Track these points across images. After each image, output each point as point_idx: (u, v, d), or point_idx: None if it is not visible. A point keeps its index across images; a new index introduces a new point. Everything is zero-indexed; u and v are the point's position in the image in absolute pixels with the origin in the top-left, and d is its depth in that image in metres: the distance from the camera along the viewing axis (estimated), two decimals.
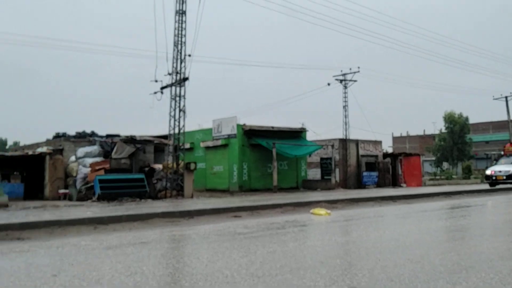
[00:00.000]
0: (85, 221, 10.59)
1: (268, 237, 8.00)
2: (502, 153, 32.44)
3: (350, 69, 34.20)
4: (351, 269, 5.20)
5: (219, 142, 27.09)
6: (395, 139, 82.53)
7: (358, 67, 33.88)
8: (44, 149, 21.38)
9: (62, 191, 20.33)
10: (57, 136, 22.75)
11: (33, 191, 21.49)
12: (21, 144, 32.66)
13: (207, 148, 28.40)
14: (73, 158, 20.95)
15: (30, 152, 21.76)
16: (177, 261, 6.02)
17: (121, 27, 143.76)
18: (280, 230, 8.91)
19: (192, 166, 20.49)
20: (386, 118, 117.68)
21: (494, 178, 25.62)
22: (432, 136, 72.37)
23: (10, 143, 70.21)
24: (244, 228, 9.42)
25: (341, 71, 34.54)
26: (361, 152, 34.63)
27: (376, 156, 35.83)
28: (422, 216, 11.88)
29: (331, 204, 15.79)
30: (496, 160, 32.07)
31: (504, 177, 25.15)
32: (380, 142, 37.41)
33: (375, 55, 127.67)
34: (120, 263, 5.71)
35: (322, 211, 12.60)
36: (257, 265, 5.43)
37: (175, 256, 6.55)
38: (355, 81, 34.51)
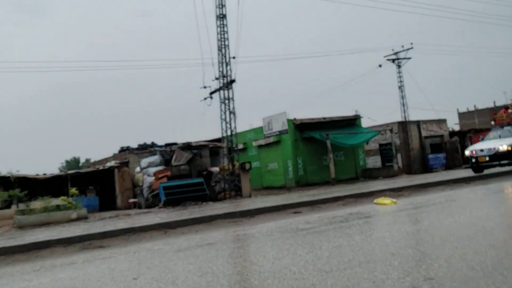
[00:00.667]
0: (155, 226, 11.14)
1: (332, 231, 7.98)
2: (493, 123, 26.59)
3: (402, 46, 32.42)
4: (426, 259, 5.04)
5: (271, 140, 27.17)
6: (462, 115, 77.57)
7: (411, 43, 32.28)
8: (112, 163, 22.67)
9: (131, 200, 21.45)
10: (122, 150, 24.07)
11: (107, 202, 22.80)
12: (92, 160, 34.50)
13: (260, 146, 28.59)
14: (138, 169, 22.06)
15: (100, 167, 23.11)
16: (244, 260, 6.21)
17: (166, 40, 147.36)
18: (344, 224, 8.85)
19: (247, 166, 20.78)
20: (449, 93, 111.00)
21: (474, 160, 19.20)
22: (505, 107, 67.99)
23: (82, 160, 74.28)
24: (306, 223, 9.46)
25: (392, 50, 32.87)
26: (423, 133, 32.98)
27: (442, 136, 33.95)
28: (502, 197, 11.16)
29: (396, 192, 15.30)
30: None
31: (487, 158, 18.76)
32: (444, 121, 35.28)
33: (427, 28, 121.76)
34: (191, 264, 5.99)
35: (386, 200, 12.26)
36: (323, 260, 5.46)
37: (242, 255, 6.75)
38: (409, 58, 32.75)
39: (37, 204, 16.34)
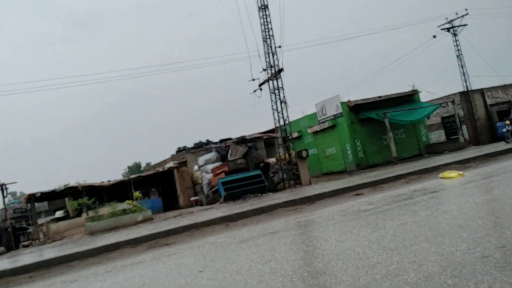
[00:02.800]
0: (216, 221, 11.31)
1: (395, 209, 7.73)
2: None
3: (457, 14, 30.96)
4: (497, 229, 4.80)
5: (326, 125, 26.71)
6: None
7: (465, 9, 30.70)
8: (171, 164, 23.37)
9: (193, 198, 21.99)
10: (179, 150, 24.75)
11: (170, 202, 23.55)
12: (152, 163, 35.79)
13: (315, 133, 28.21)
14: (196, 167, 22.56)
15: (160, 169, 23.87)
16: (306, 245, 6.13)
17: (213, 38, 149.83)
18: (408, 201, 8.55)
19: (304, 153, 20.59)
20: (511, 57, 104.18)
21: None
22: None
23: (143, 164, 77.23)
24: (368, 204, 9.23)
25: (446, 18, 31.43)
26: (489, 101, 31.10)
27: (509, 102, 31.88)
28: None
29: (463, 164, 14.64)
30: None
31: None
32: (510, 86, 32.98)
33: None
34: (254, 254, 5.99)
35: (453, 173, 11.79)
36: (388, 239, 5.30)
37: (304, 240, 6.67)
38: (464, 25, 31.18)
39: (104, 210, 17.12)
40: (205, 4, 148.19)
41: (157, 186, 25.01)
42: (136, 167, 79.27)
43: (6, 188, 19.72)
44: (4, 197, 19.69)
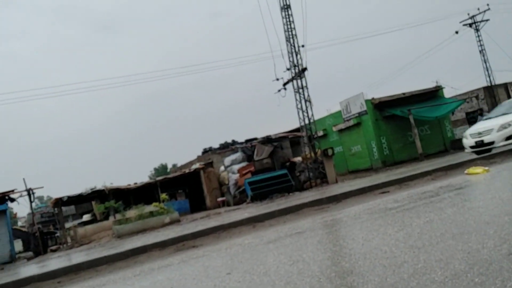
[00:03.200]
0: (243, 221, 11.43)
1: (422, 207, 7.71)
2: None
3: (478, 9, 30.88)
4: None
5: (351, 122, 26.63)
6: None
7: (487, 5, 30.39)
8: (197, 165, 23.66)
9: (220, 199, 22.23)
10: (205, 151, 25.01)
11: (197, 204, 23.81)
12: (179, 165, 36.21)
13: (340, 131, 28.13)
14: (222, 168, 22.80)
15: (187, 171, 24.18)
16: (333, 245, 6.19)
17: (237, 39, 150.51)
18: (434, 198, 8.51)
19: (330, 151, 20.55)
20: None
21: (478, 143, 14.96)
22: None
23: (169, 166, 78.09)
24: (394, 202, 9.21)
25: (468, 14, 31.38)
26: None
27: None
28: None
29: (488, 160, 14.42)
30: None
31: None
32: None
33: None
34: (282, 255, 6.09)
35: (478, 169, 11.66)
36: (415, 237, 5.32)
37: (331, 240, 6.73)
38: (487, 20, 30.99)
39: (131, 213, 17.38)
40: (229, 5, 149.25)
41: (184, 188, 25.31)
42: (162, 169, 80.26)
43: (33, 193, 20.28)
44: (31, 201, 20.24)
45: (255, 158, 22.04)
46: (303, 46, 21.25)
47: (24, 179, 19.98)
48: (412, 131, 24.26)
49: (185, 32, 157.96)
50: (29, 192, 20.18)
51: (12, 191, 19.43)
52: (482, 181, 9.72)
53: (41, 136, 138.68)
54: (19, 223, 43.14)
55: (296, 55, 21.07)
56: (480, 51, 31.27)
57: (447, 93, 29.36)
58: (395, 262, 4.39)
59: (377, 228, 6.54)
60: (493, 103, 29.90)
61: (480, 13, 30.79)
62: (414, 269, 4.00)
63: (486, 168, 11.70)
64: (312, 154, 20.78)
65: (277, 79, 22.26)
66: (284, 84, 22.17)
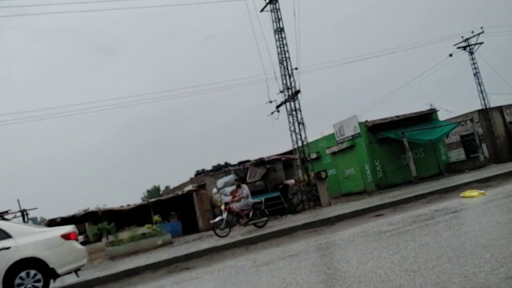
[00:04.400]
0: (236, 244, 11.29)
1: (417, 230, 7.65)
2: None
3: (472, 32, 31.17)
4: None
5: (345, 145, 26.65)
6: None
7: (481, 28, 30.85)
8: (190, 187, 23.42)
9: (212, 221, 21.91)
10: (198, 173, 24.81)
11: (189, 226, 23.53)
12: (171, 187, 35.96)
13: (334, 153, 28.13)
14: (214, 190, 22.61)
15: (179, 193, 23.95)
16: (327, 268, 6.08)
17: (231, 61, 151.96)
18: (429, 221, 8.46)
19: (323, 174, 20.50)
20: None
21: None
22: None
23: (162, 188, 77.60)
24: (389, 225, 9.14)
25: (462, 37, 31.64)
26: (508, 119, 30.68)
27: None
28: None
29: (484, 183, 14.47)
30: None
31: None
32: None
33: (495, 9, 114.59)
34: (275, 277, 5.97)
35: (474, 192, 11.65)
36: (410, 260, 5.25)
37: (325, 263, 6.62)
38: (481, 43, 31.32)
39: (124, 234, 17.16)
40: (223, 28, 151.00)
41: (177, 210, 25.06)
42: (155, 191, 79.69)
43: (27, 214, 19.95)
44: (25, 222, 19.93)
45: (248, 180, 21.90)
46: (296, 68, 21.41)
47: (18, 200, 19.76)
48: (406, 154, 24.28)
49: (180, 54, 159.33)
50: (23, 213, 19.91)
51: (6, 212, 19.13)
52: (478, 204, 9.69)
53: (36, 158, 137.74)
54: None
55: (289, 78, 21.22)
56: (474, 74, 31.51)
57: (441, 116, 29.55)
58: (390, 286, 4.30)
59: (372, 251, 6.45)
60: (488, 126, 30.08)
61: (474, 36, 31.11)
62: None
63: (482, 191, 11.70)
64: (305, 177, 20.71)
65: (270, 102, 22.33)
66: (277, 107, 22.24)
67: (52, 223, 21.44)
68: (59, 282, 11.28)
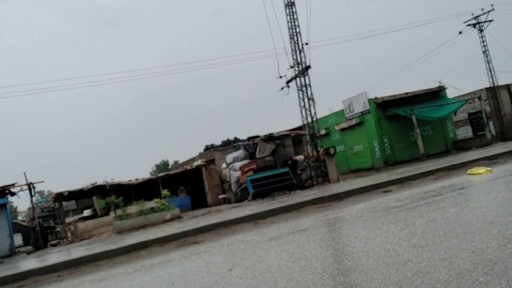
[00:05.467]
0: (245, 218, 11.44)
1: (424, 206, 7.70)
2: None
3: (482, 9, 30.74)
4: None
5: (354, 122, 26.57)
6: None
7: (491, 5, 30.28)
8: (199, 162, 23.57)
9: (221, 196, 22.18)
10: (207, 148, 24.95)
11: (198, 200, 23.78)
12: (180, 161, 36.12)
13: (343, 130, 28.08)
14: (224, 165, 22.75)
15: (188, 167, 24.11)
16: (336, 243, 6.17)
17: (242, 36, 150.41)
18: (437, 197, 8.50)
19: (332, 150, 20.52)
20: None
21: None
22: None
23: (171, 162, 77.99)
24: (397, 201, 9.20)
25: (472, 14, 31.25)
26: None
27: None
28: None
29: (491, 160, 14.46)
30: None
31: None
32: None
33: None
34: (284, 252, 6.08)
35: (481, 169, 11.67)
36: (418, 236, 5.31)
37: (333, 238, 6.71)
38: (490, 21, 30.88)
39: (132, 208, 17.30)
40: (234, 2, 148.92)
41: (185, 184, 25.28)
42: (164, 166, 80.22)
43: (34, 187, 20.10)
44: (32, 196, 20.12)
45: (257, 155, 22.01)
46: (307, 44, 21.19)
47: (25, 173, 19.90)
48: (414, 131, 24.18)
49: (190, 28, 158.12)
50: (30, 186, 20.09)
51: (13, 185, 19.39)
52: (485, 181, 9.70)
53: (42, 130, 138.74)
54: (19, 217, 43.13)
55: (300, 53, 21.02)
56: (483, 52, 31.19)
57: (450, 93, 29.34)
58: (398, 260, 4.37)
59: (380, 227, 6.53)
60: (495, 104, 29.85)
61: (484, 13, 30.76)
62: (418, 268, 3.99)
63: (489, 168, 11.69)
64: (314, 153, 20.73)
65: (280, 77, 22.19)
66: (287, 82, 22.10)
67: (59, 196, 21.69)
68: (67, 255, 11.57)
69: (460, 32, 31.88)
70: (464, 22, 31.62)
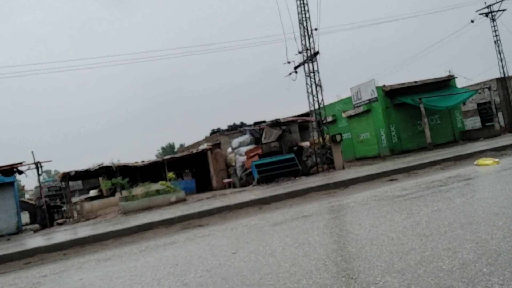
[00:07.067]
0: (250, 203, 11.48)
1: (430, 196, 7.68)
2: None
3: None
4: None
5: (361, 109, 26.43)
6: None
7: None
8: (204, 145, 23.62)
9: (226, 180, 22.27)
10: (213, 132, 24.96)
11: (203, 184, 23.89)
12: (186, 145, 36.22)
13: (350, 117, 27.96)
14: (229, 149, 22.78)
15: (194, 151, 24.16)
16: (340, 230, 6.19)
17: (252, 19, 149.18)
18: (443, 187, 8.48)
19: (338, 137, 20.46)
20: None
21: None
22: None
23: (177, 145, 78.23)
24: (402, 190, 9.18)
25: (485, 3, 30.78)
26: None
27: None
28: None
29: (498, 151, 14.37)
30: None
31: None
32: None
33: None
34: (287, 237, 6.11)
35: (488, 160, 11.60)
36: (422, 225, 5.31)
37: (337, 225, 6.73)
38: (503, 10, 30.46)
39: (138, 190, 17.43)
40: None
41: (191, 168, 25.38)
42: (169, 148, 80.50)
43: (41, 166, 20.21)
44: (39, 175, 20.25)
45: (263, 141, 22.02)
46: (316, 29, 20.98)
47: (32, 152, 20.05)
48: (422, 120, 24.00)
49: (199, 10, 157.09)
50: (37, 165, 20.23)
51: (21, 163, 19.55)
52: (492, 172, 9.65)
53: (50, 110, 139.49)
54: (27, 196, 43.68)
55: (309, 39, 20.83)
56: (495, 42, 30.78)
57: (459, 83, 29.04)
58: (402, 249, 4.38)
59: (385, 215, 6.53)
60: (505, 95, 29.53)
61: (497, 2, 30.32)
62: (421, 257, 3.99)
63: (496, 159, 11.62)
64: (320, 139, 20.67)
65: (289, 62, 22.04)
66: (295, 68, 21.96)
67: (66, 176, 21.86)
68: (73, 234, 11.71)
69: (472, 21, 31.51)
70: (477, 11, 31.23)
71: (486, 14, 30.79)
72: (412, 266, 3.79)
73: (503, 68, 30.30)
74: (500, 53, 30.53)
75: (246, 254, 5.46)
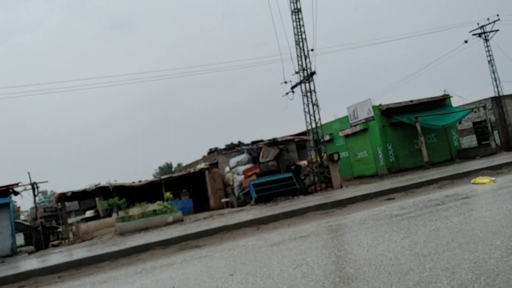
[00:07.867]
0: (247, 223, 11.42)
1: (427, 215, 7.67)
2: None
3: (488, 19, 30.91)
4: None
5: (358, 128, 26.56)
6: None
7: (497, 15, 30.43)
8: (202, 165, 23.58)
9: (224, 200, 22.18)
10: (211, 152, 24.96)
11: (200, 203, 23.76)
12: (183, 164, 36.18)
13: (347, 136, 28.07)
14: (227, 168, 22.75)
15: (191, 170, 24.11)
16: (338, 250, 6.16)
17: (249, 40, 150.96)
18: (440, 206, 8.47)
19: (335, 156, 20.49)
20: None
21: None
22: None
23: (174, 165, 77.98)
24: (400, 209, 9.17)
25: (478, 24, 31.39)
26: None
27: None
28: None
29: (495, 170, 14.41)
30: None
31: None
32: None
33: None
34: (285, 258, 6.07)
35: (485, 179, 11.63)
36: (421, 245, 5.29)
37: (335, 245, 6.70)
38: (496, 31, 31.01)
39: (135, 210, 17.31)
40: (241, 7, 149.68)
41: (188, 187, 25.27)
42: (167, 168, 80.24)
43: (37, 187, 20.10)
44: (35, 195, 20.12)
45: (261, 160, 22.02)
46: (312, 50, 21.21)
47: (29, 172, 19.95)
48: (419, 139, 24.13)
49: (197, 31, 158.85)
50: (33, 186, 20.11)
51: (17, 184, 19.44)
52: (489, 191, 9.66)
53: (47, 131, 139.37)
54: (22, 217, 43.26)
55: (305, 59, 21.05)
56: (488, 61, 31.27)
57: (455, 102, 29.37)
58: (400, 269, 4.36)
59: (383, 235, 6.51)
60: (500, 114, 29.75)
61: (489, 23, 30.97)
62: (419, 277, 3.97)
63: (493, 178, 11.65)
64: (318, 158, 20.71)
65: (285, 82, 22.21)
66: (292, 87, 22.12)
67: (62, 197, 21.70)
68: (68, 256, 11.59)
69: (466, 41, 32.04)
70: (470, 32, 31.81)
71: (479, 35, 31.34)
72: (411, 287, 3.77)
73: (497, 87, 30.69)
74: (494, 73, 30.96)
75: (244, 275, 5.41)
